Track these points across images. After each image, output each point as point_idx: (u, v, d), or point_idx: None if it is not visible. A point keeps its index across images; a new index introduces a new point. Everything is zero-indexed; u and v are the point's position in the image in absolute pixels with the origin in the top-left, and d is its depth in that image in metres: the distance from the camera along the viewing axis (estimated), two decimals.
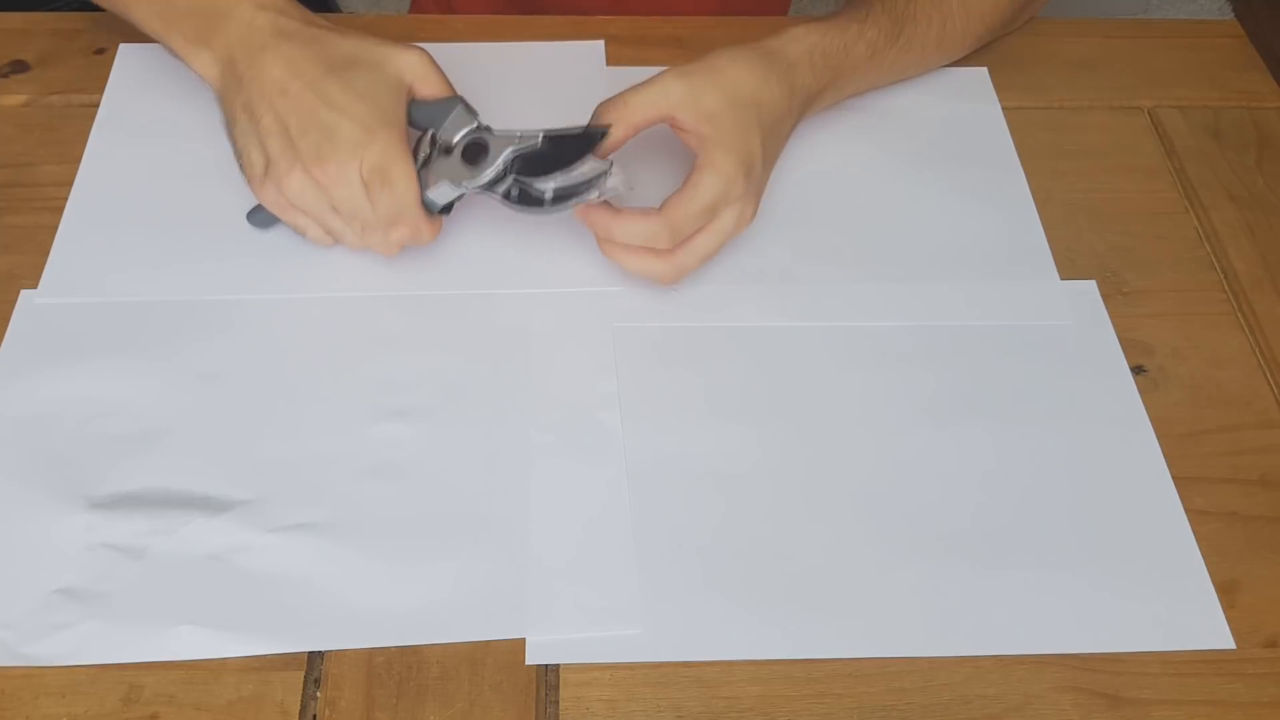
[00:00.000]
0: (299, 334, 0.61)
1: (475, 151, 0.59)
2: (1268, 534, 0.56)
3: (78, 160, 0.67)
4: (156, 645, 0.50)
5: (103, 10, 0.71)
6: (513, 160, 0.59)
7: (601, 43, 0.76)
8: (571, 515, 0.55)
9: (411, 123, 0.60)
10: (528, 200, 0.59)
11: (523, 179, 0.59)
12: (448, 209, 0.60)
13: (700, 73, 0.60)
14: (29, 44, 0.74)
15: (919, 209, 0.68)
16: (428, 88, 0.61)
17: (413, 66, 0.60)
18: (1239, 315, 0.65)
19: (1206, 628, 0.53)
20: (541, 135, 0.59)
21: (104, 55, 0.73)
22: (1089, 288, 0.65)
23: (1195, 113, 0.75)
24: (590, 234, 0.61)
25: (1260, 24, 1.72)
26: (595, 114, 0.60)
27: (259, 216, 0.63)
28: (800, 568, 0.53)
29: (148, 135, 0.69)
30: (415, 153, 0.59)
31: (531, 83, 0.72)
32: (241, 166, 0.61)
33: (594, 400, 0.59)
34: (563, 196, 0.59)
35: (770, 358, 0.61)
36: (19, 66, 0.73)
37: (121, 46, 0.73)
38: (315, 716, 0.49)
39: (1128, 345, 0.63)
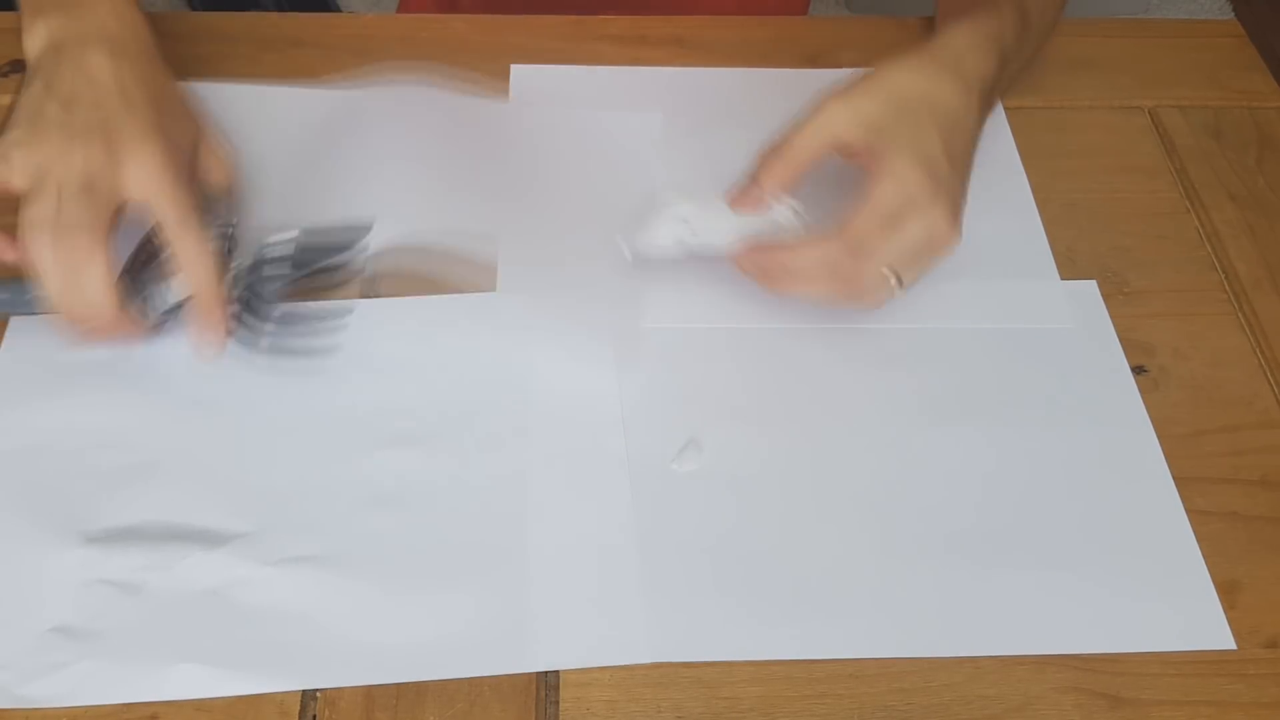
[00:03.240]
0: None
1: (226, 246, 0.59)
2: (1269, 534, 0.56)
3: None
4: (154, 684, 0.49)
5: None
6: (257, 265, 0.58)
7: (659, 114, 0.72)
8: (573, 522, 0.54)
9: None
10: (253, 315, 0.58)
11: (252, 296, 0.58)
12: (169, 311, 0.57)
13: (860, 87, 0.57)
14: None
15: None
16: (216, 172, 0.60)
17: (218, 147, 0.60)
18: (1240, 315, 0.65)
19: (1207, 628, 0.53)
20: (295, 236, 0.58)
21: None
22: (1089, 288, 0.65)
23: (1195, 113, 0.75)
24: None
25: (1260, 24, 1.72)
26: (759, 163, 0.57)
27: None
28: (801, 568, 0.53)
29: None
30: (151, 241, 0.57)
31: (584, 151, 0.69)
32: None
33: (595, 403, 0.58)
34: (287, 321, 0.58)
35: (771, 360, 0.61)
36: (19, 66, 0.73)
37: None
38: (315, 717, 0.49)
39: (1128, 345, 0.63)
